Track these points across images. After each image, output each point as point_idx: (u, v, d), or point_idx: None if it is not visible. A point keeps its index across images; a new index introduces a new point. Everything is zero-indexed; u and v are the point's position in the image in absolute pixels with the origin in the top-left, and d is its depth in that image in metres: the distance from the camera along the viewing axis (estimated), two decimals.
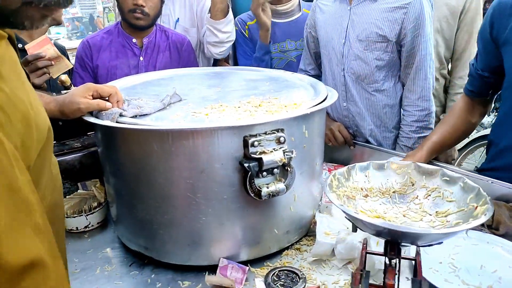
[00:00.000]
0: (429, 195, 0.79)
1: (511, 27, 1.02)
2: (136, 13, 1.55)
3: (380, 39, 1.29)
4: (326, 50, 1.44)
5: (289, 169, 0.86)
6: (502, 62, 1.06)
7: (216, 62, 2.00)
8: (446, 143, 1.21)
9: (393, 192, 0.82)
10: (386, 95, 1.37)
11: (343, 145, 1.45)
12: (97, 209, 1.14)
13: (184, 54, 1.71)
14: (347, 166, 0.84)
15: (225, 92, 1.10)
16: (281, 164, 0.83)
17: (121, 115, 0.89)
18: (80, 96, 0.91)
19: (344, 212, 0.68)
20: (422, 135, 1.34)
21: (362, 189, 0.85)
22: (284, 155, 0.83)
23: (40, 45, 1.32)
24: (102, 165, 1.01)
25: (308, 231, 1.05)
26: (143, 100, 0.98)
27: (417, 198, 0.80)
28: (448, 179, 0.78)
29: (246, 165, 0.81)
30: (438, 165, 0.82)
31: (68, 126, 1.62)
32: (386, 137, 1.42)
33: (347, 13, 1.35)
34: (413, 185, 0.82)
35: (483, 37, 1.11)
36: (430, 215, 0.75)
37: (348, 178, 0.87)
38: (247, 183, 0.83)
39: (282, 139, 0.83)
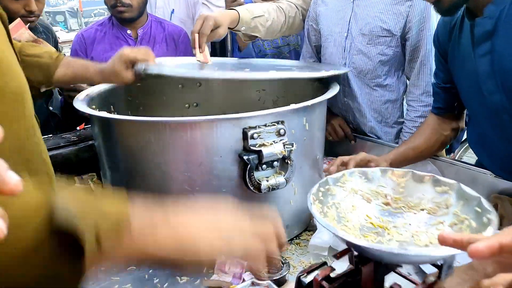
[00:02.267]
0: (456, 224, 0.72)
1: (452, 43, 1.01)
2: (117, 7, 1.54)
3: (384, 33, 1.26)
4: (328, 43, 1.40)
5: (289, 162, 0.84)
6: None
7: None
8: (412, 156, 1.15)
9: (422, 209, 0.77)
10: (388, 90, 1.34)
11: (343, 139, 1.43)
12: None
13: (181, 46, 1.69)
14: (378, 168, 0.80)
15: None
16: (281, 157, 0.82)
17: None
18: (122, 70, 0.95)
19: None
20: None
21: (386, 195, 0.80)
22: (284, 148, 0.82)
23: (15, 29, 1.29)
24: (99, 158, 0.99)
25: (308, 226, 1.03)
26: None
27: (442, 223, 0.74)
28: (479, 210, 0.70)
29: (245, 157, 0.79)
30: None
31: (63, 120, 1.61)
32: (387, 133, 1.40)
33: (350, 5, 1.32)
34: (446, 208, 0.75)
35: (435, 52, 1.11)
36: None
37: (372, 180, 0.82)
38: (247, 176, 0.81)
39: (282, 131, 0.82)
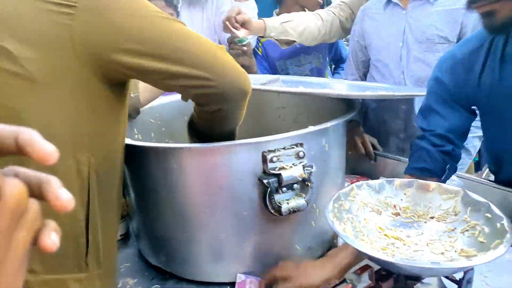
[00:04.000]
0: (467, 230, 0.73)
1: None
2: None
3: (441, 40, 1.29)
4: (381, 56, 1.42)
5: (309, 184, 0.84)
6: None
7: None
8: None
9: (431, 217, 0.78)
10: None
11: (363, 157, 1.41)
12: (120, 222, 1.15)
13: None
14: (384, 179, 0.81)
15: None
16: (301, 179, 0.82)
17: None
18: None
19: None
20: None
21: (394, 206, 0.81)
22: (303, 170, 0.82)
23: None
24: (124, 179, 1.02)
25: (332, 245, 1.02)
26: None
27: (453, 230, 0.74)
28: (490, 216, 0.71)
29: (265, 181, 0.80)
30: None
31: None
32: None
33: (402, 17, 1.35)
34: (455, 215, 0.76)
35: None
36: (455, 251, 0.70)
37: (380, 191, 0.83)
38: (267, 199, 0.81)
39: (301, 153, 0.82)
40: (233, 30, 1.33)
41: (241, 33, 1.33)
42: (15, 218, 0.25)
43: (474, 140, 1.48)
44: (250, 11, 1.68)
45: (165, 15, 0.68)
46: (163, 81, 0.69)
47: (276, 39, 1.49)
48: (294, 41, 1.52)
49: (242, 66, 0.87)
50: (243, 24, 1.35)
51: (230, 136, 0.83)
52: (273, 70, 1.77)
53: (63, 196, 0.27)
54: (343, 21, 1.60)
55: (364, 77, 1.56)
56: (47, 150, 0.26)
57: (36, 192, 0.27)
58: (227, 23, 1.33)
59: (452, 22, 1.27)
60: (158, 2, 1.47)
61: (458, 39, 1.27)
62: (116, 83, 0.70)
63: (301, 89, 0.95)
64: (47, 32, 0.61)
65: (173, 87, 0.71)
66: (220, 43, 1.87)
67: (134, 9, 0.65)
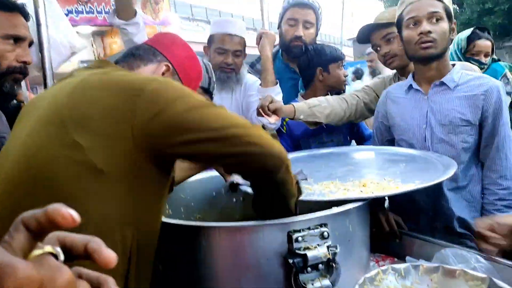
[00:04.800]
0: None
1: None
2: None
3: (464, 123, 1.35)
4: (406, 136, 1.48)
5: (334, 264, 0.86)
6: None
7: None
8: None
9: None
10: (470, 177, 1.38)
11: (388, 235, 1.40)
12: None
13: None
14: (409, 264, 0.82)
15: (354, 171, 1.21)
16: (325, 259, 0.84)
17: None
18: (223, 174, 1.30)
19: None
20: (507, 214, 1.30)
21: None
22: (328, 251, 0.84)
23: None
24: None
25: None
26: None
27: None
28: None
29: (290, 261, 0.82)
30: None
31: None
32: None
33: (425, 101, 1.43)
34: None
35: None
36: None
37: (406, 276, 0.83)
38: (292, 279, 0.83)
39: (325, 234, 0.85)
40: (266, 117, 1.46)
41: (272, 119, 1.46)
42: None
43: None
44: (276, 96, 1.82)
45: (210, 103, 0.78)
46: (212, 162, 0.79)
47: (304, 121, 1.60)
48: (321, 123, 1.63)
49: None
50: (274, 111, 1.47)
51: (288, 212, 0.87)
52: (296, 147, 1.85)
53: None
54: (368, 103, 1.72)
55: None
56: (109, 258, 0.33)
57: None
58: (261, 110, 1.46)
59: (473, 106, 1.33)
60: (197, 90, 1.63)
61: (480, 122, 1.33)
62: (166, 166, 0.79)
63: (331, 196, 1.01)
64: (111, 127, 0.70)
65: (219, 165, 0.79)
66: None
67: (187, 104, 0.74)
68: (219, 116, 0.76)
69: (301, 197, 0.92)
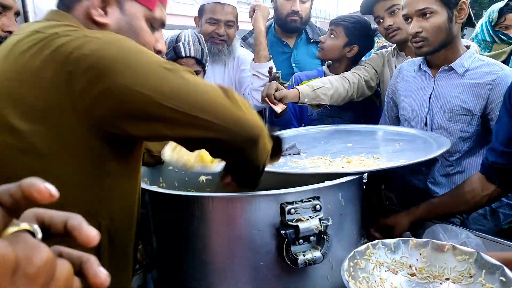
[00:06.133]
0: None
1: None
2: None
3: (465, 112, 1.32)
4: (408, 116, 1.49)
5: (325, 237, 0.87)
6: None
7: None
8: (446, 209, 1.19)
9: (446, 279, 0.79)
10: (467, 165, 1.38)
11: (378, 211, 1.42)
12: (138, 272, 1.17)
13: None
14: (399, 238, 0.83)
15: (350, 148, 1.22)
16: (317, 232, 0.85)
17: None
18: None
19: None
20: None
21: (410, 266, 0.83)
22: (320, 223, 0.84)
23: None
24: (146, 227, 1.06)
25: None
26: None
27: None
28: (505, 280, 0.72)
29: (282, 232, 0.83)
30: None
31: None
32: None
33: (431, 84, 1.41)
34: (470, 277, 0.78)
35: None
36: None
37: (395, 250, 0.85)
38: (284, 250, 0.84)
39: (318, 207, 0.85)
40: (271, 105, 1.46)
41: (278, 108, 1.45)
42: None
43: None
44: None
45: (169, 66, 0.64)
46: (175, 142, 0.71)
47: (308, 104, 1.61)
48: (324, 105, 1.64)
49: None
50: (280, 99, 1.46)
51: (258, 174, 0.83)
52: (305, 120, 1.90)
53: (101, 274, 0.31)
54: (368, 81, 1.72)
55: None
56: (91, 235, 0.31)
57: (76, 268, 0.31)
58: (267, 99, 1.45)
59: (476, 96, 1.29)
60: (189, 60, 1.60)
61: (483, 113, 1.30)
62: (127, 145, 0.70)
63: (311, 170, 1.02)
64: (49, 105, 0.60)
65: (180, 144, 0.74)
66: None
67: (135, 70, 0.61)
68: (180, 88, 0.63)
69: (269, 168, 0.90)
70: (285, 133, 1.51)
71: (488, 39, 2.19)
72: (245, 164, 0.78)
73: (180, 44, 1.61)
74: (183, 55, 1.59)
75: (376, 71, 1.72)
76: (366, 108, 1.87)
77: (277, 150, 0.87)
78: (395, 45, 1.76)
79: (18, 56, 0.63)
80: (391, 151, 1.17)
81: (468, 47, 1.38)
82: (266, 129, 0.76)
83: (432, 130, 1.40)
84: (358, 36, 1.77)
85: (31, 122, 0.60)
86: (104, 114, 0.61)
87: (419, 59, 1.47)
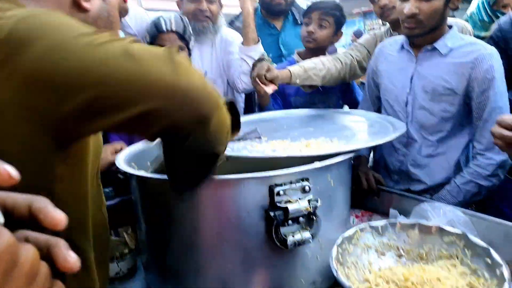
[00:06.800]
0: (467, 275, 0.77)
1: None
2: None
3: (447, 91, 1.32)
4: (389, 97, 1.48)
5: (314, 218, 0.87)
6: None
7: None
8: None
9: (433, 260, 0.81)
10: (449, 145, 1.38)
11: (367, 192, 1.43)
12: (128, 256, 1.17)
13: None
14: (386, 221, 0.83)
15: (312, 132, 1.20)
16: (306, 213, 0.85)
17: None
18: None
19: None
20: (476, 181, 1.31)
21: (398, 248, 0.83)
22: (309, 204, 0.84)
23: None
24: (135, 212, 1.05)
25: (336, 281, 1.03)
26: None
27: (455, 274, 0.77)
28: (490, 262, 0.74)
29: (271, 214, 0.83)
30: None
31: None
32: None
33: (412, 64, 1.40)
34: (457, 258, 0.80)
35: None
36: None
37: (383, 233, 0.85)
38: (273, 231, 0.84)
39: (307, 188, 0.85)
40: (263, 86, 1.43)
41: (269, 89, 1.42)
42: (29, 281, 0.28)
43: None
44: (258, 54, 1.77)
45: (106, 38, 0.54)
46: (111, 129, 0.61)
47: (300, 85, 1.59)
48: (317, 86, 1.62)
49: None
50: (271, 80, 1.44)
51: (212, 165, 0.72)
52: (287, 106, 1.84)
53: (70, 259, 0.30)
54: (361, 61, 1.71)
55: (379, 112, 1.60)
56: (57, 217, 0.29)
57: (43, 253, 0.30)
58: (258, 80, 1.43)
59: (459, 75, 1.29)
60: (171, 35, 1.56)
61: (465, 92, 1.29)
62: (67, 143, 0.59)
63: (268, 153, 1.01)
64: None
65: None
66: (227, 82, 1.96)
67: (65, 47, 0.51)
68: (107, 59, 0.52)
69: (228, 153, 0.88)
70: (248, 118, 1.49)
71: (485, 19, 2.15)
72: (193, 149, 0.65)
73: (161, 18, 1.58)
74: (164, 29, 1.56)
75: (368, 51, 1.71)
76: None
77: (235, 121, 0.75)
78: (388, 26, 1.74)
79: None
80: (350, 135, 1.18)
81: (450, 26, 1.37)
82: (221, 100, 0.64)
83: (413, 111, 1.40)
84: (342, 22, 1.82)
85: None
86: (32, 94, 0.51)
87: (401, 38, 1.45)
